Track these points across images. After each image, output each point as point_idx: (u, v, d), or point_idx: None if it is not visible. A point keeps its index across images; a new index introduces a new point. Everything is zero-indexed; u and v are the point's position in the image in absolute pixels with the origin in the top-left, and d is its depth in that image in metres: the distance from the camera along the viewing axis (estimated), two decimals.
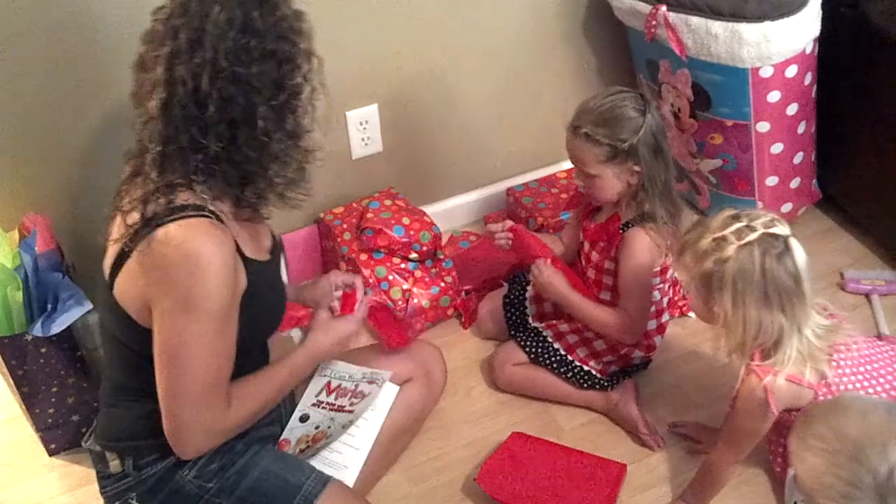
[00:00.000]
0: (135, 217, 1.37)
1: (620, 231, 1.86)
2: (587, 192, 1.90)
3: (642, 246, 1.83)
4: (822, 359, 1.57)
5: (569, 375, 2.00)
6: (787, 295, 1.51)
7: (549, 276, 1.93)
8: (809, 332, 1.56)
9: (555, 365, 2.00)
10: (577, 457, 1.88)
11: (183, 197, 1.38)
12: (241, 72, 1.31)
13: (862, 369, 1.59)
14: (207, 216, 1.37)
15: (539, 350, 2.02)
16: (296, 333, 1.61)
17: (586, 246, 1.98)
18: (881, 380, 1.60)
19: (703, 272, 1.53)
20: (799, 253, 1.52)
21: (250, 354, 1.55)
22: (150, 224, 1.35)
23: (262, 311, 1.51)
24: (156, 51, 1.32)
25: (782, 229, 1.52)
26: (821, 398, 1.58)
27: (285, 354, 1.61)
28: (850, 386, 1.58)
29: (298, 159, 1.44)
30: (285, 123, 1.39)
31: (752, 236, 1.50)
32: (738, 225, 1.52)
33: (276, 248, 1.63)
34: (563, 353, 2.00)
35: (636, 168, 1.79)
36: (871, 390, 1.59)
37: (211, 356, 1.39)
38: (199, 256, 1.34)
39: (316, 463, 1.65)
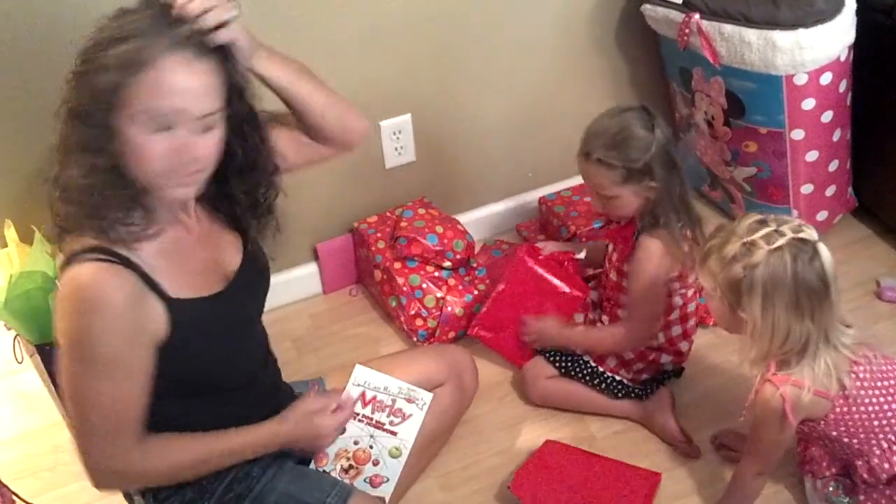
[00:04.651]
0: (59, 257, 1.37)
1: (634, 238, 1.87)
2: (605, 213, 1.92)
3: (651, 254, 1.83)
4: (844, 370, 1.54)
5: (602, 387, 1.99)
6: (817, 300, 1.48)
7: (539, 329, 2.03)
8: (836, 341, 1.53)
9: (587, 378, 2.00)
10: (611, 465, 1.88)
11: (85, 240, 1.32)
12: None
13: (880, 384, 1.56)
14: (108, 260, 1.30)
15: (569, 364, 2.02)
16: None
17: (610, 248, 2.00)
18: None
19: (730, 278, 1.51)
20: (828, 258, 1.49)
21: (203, 396, 1.48)
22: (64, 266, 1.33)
23: (203, 351, 1.43)
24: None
25: (811, 234, 1.50)
26: (837, 410, 1.55)
27: (253, 427, 1.52)
28: (867, 400, 1.55)
29: None
30: None
31: (782, 241, 1.47)
32: (766, 230, 1.49)
33: (245, 271, 1.53)
34: (592, 364, 2.00)
35: (652, 184, 1.79)
36: (885, 406, 1.56)
37: (103, 404, 1.34)
38: (86, 300, 1.29)
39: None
